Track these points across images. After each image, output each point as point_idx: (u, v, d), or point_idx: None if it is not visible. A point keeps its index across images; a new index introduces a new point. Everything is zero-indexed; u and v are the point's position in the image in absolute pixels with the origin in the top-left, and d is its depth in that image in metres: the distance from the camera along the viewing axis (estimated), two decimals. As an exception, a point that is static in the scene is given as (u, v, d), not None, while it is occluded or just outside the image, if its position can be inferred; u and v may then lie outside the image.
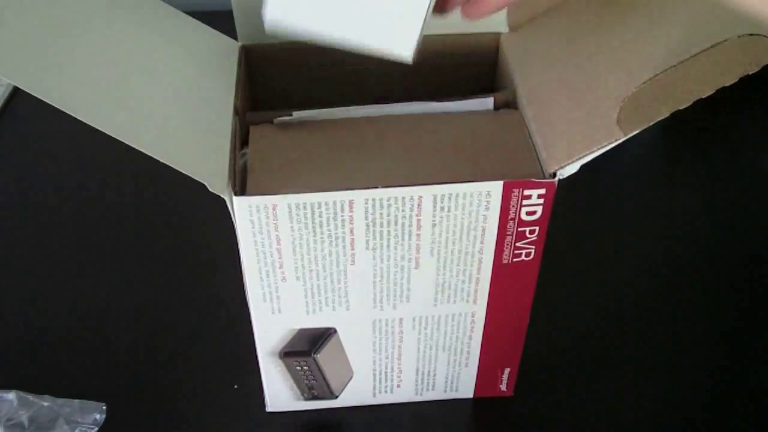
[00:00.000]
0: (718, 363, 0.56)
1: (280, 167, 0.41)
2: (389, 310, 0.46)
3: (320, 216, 0.40)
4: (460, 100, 0.45)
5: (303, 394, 0.51)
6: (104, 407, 0.52)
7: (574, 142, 0.39)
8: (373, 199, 0.40)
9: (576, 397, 0.54)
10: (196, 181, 0.37)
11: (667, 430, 0.52)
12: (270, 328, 0.46)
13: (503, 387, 0.53)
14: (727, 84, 0.35)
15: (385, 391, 0.52)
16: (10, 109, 0.79)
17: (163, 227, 0.67)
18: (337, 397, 0.51)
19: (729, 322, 0.59)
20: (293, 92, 0.53)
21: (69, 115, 0.35)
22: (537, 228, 0.42)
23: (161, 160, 0.37)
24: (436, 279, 0.44)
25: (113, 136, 0.36)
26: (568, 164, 0.39)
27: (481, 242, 0.43)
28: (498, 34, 0.50)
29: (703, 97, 0.35)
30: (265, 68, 0.51)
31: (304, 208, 0.40)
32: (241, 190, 0.40)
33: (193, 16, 0.50)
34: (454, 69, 0.52)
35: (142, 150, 0.36)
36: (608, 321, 0.59)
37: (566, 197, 0.51)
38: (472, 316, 0.47)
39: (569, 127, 0.40)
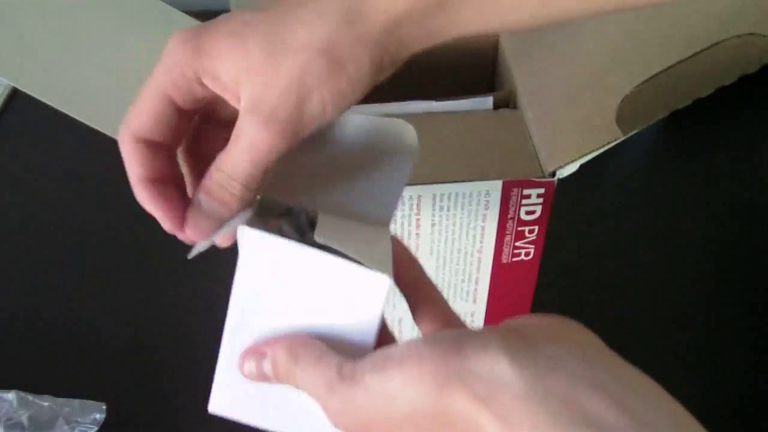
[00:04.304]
0: (719, 361, 0.56)
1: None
2: (389, 310, 0.46)
3: (320, 216, 0.40)
4: (460, 99, 0.45)
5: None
6: (104, 407, 0.52)
7: (574, 142, 0.39)
8: (373, 199, 0.40)
9: (576, 397, 0.54)
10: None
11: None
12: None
13: (503, 387, 0.53)
14: (727, 84, 0.35)
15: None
16: (10, 109, 0.79)
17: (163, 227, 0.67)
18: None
19: (730, 322, 0.59)
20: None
21: (69, 115, 0.35)
22: (536, 227, 0.42)
23: (161, 160, 0.37)
24: (435, 278, 0.44)
25: (113, 136, 0.36)
26: (568, 164, 0.39)
27: (481, 242, 0.43)
28: (498, 34, 0.50)
29: (703, 97, 0.35)
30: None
31: (304, 207, 0.40)
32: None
33: (193, 16, 0.50)
34: (454, 69, 0.52)
35: (141, 150, 0.36)
36: (608, 321, 0.59)
37: (566, 197, 0.51)
38: (472, 315, 0.47)
39: (569, 127, 0.40)
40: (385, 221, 0.31)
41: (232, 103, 0.29)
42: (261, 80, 0.27)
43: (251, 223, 0.28)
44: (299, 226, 0.30)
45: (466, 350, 0.22)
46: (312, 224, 0.29)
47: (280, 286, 0.28)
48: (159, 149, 0.30)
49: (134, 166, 0.30)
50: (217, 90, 0.28)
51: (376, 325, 0.27)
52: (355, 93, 0.28)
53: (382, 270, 0.27)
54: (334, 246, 0.26)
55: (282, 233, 0.28)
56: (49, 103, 0.34)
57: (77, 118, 0.35)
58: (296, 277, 0.27)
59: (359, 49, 0.27)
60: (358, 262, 0.26)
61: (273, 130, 0.27)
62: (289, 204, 0.31)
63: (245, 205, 0.30)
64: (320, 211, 0.30)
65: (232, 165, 0.28)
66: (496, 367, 0.21)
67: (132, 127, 0.29)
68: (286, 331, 0.28)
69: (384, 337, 0.29)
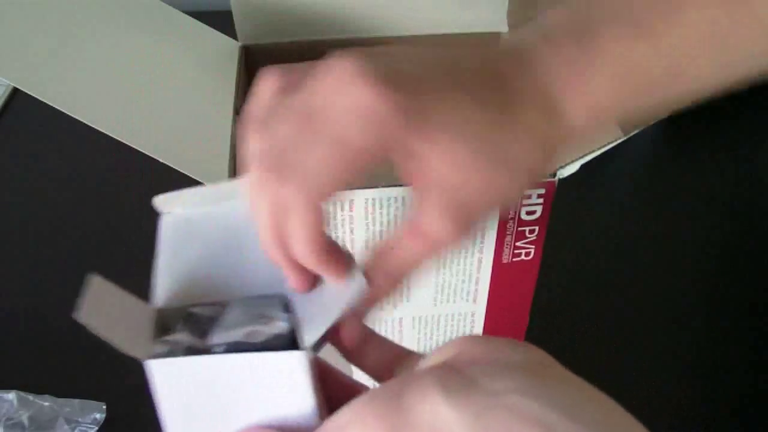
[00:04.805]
0: (719, 360, 0.56)
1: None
2: (389, 310, 0.46)
3: (320, 216, 0.40)
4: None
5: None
6: (104, 407, 0.52)
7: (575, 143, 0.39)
8: (373, 199, 0.40)
9: (576, 397, 0.54)
10: (196, 180, 0.37)
11: (668, 430, 0.52)
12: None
13: (503, 387, 0.53)
14: (727, 84, 0.35)
15: (385, 391, 0.52)
16: (10, 109, 0.79)
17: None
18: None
19: (730, 321, 0.59)
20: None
21: (69, 115, 0.35)
22: (537, 227, 0.42)
23: (161, 161, 0.37)
24: (436, 279, 0.44)
25: (113, 136, 0.36)
26: (568, 164, 0.39)
27: (481, 242, 0.43)
28: (498, 34, 0.50)
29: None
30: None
31: (304, 208, 0.40)
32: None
33: (193, 16, 0.50)
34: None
35: (142, 150, 0.37)
36: (608, 321, 0.59)
37: (566, 197, 0.51)
38: (472, 315, 0.47)
39: (569, 126, 0.40)
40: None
41: (408, 180, 0.29)
42: (472, 185, 0.28)
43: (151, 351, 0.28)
44: (199, 328, 0.30)
45: (406, 401, 0.23)
46: (211, 318, 0.29)
47: (206, 397, 0.28)
48: None
49: (318, 232, 0.27)
50: (406, 165, 0.28)
51: (311, 399, 0.27)
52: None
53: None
54: (239, 346, 0.27)
55: (183, 344, 0.28)
56: (49, 103, 0.34)
57: (77, 118, 0.35)
58: (217, 383, 0.27)
59: (552, 161, 0.30)
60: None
61: (466, 234, 0.29)
62: (188, 307, 0.31)
63: None
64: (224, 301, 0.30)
65: (413, 257, 0.29)
66: (436, 414, 0.22)
67: (323, 190, 0.27)
68: (232, 429, 0.28)
69: (350, 386, 0.30)
